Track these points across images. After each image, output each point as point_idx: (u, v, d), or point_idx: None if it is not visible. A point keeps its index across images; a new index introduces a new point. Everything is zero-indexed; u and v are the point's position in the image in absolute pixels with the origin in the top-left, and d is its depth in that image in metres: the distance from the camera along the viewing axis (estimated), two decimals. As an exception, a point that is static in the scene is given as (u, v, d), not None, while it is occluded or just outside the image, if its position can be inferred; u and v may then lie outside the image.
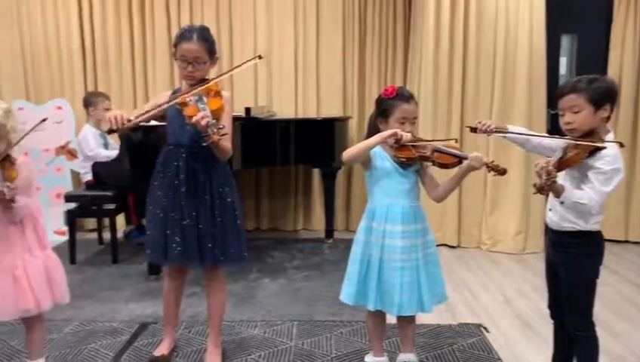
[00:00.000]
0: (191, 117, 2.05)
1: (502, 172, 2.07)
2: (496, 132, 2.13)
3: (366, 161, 2.14)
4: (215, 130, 1.98)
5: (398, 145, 2.05)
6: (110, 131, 2.09)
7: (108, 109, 4.31)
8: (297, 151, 4.08)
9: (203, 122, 2.01)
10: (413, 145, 2.07)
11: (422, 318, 2.59)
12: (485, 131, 2.13)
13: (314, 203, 5.00)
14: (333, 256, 4.20)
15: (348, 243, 4.36)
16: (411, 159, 2.09)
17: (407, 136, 2.04)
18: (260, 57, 2.34)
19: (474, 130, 2.15)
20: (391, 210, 2.11)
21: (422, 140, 2.16)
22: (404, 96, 2.12)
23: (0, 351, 2.59)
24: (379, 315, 2.25)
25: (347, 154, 2.11)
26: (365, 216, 2.20)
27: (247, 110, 3.77)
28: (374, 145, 2.07)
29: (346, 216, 5.00)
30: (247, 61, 2.31)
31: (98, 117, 4.28)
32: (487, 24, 4.20)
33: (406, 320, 2.24)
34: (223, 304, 2.53)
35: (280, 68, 4.80)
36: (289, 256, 4.19)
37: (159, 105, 2.21)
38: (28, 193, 2.11)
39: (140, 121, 2.20)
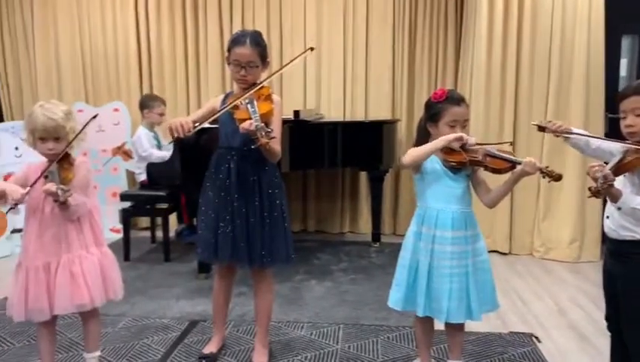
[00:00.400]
0: (241, 120, 2.09)
1: (557, 178, 2.00)
2: (565, 133, 2.05)
3: (417, 164, 2.11)
4: (264, 134, 2.00)
5: (450, 149, 2.02)
6: (176, 139, 2.12)
7: (162, 113, 4.45)
8: (345, 154, 4.08)
9: (252, 126, 2.04)
10: (464, 149, 2.04)
11: (471, 325, 2.53)
12: (555, 131, 2.06)
13: (361, 206, 4.98)
14: (379, 260, 4.17)
15: (395, 248, 4.36)
16: (462, 163, 2.05)
17: (471, 140, 2.01)
18: (311, 49, 2.37)
19: (542, 129, 2.08)
20: (441, 215, 2.08)
21: (477, 144, 2.11)
22: (454, 98, 2.08)
23: (59, 342, 2.70)
24: (427, 321, 2.22)
25: (408, 157, 2.07)
26: (414, 221, 2.17)
27: (296, 113, 3.81)
28: (437, 149, 2.04)
29: (394, 219, 4.97)
30: (300, 55, 2.34)
31: (152, 119, 4.43)
32: (543, 24, 4.08)
33: (454, 328, 2.20)
34: (270, 304, 2.56)
35: (329, 71, 4.82)
36: (335, 259, 4.19)
37: (217, 111, 2.26)
38: (85, 192, 2.18)
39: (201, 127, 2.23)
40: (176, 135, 2.13)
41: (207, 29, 4.88)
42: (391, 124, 4.43)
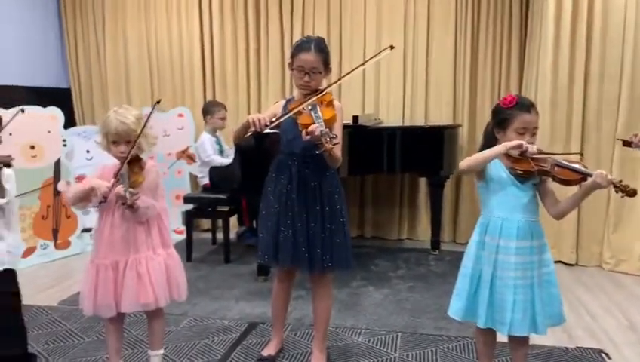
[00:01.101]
0: (304, 125, 2.11)
1: (631, 193, 1.87)
2: None
3: (480, 171, 2.06)
4: (328, 139, 2.02)
5: (517, 157, 1.96)
6: (254, 133, 2.17)
7: (223, 118, 4.57)
8: (404, 160, 4.04)
9: (317, 131, 2.06)
10: (532, 158, 1.97)
11: (536, 339, 2.44)
12: None
13: (419, 212, 4.91)
14: (439, 268, 4.10)
15: (454, 256, 4.33)
16: (529, 173, 1.98)
17: (532, 148, 1.95)
18: (391, 47, 2.36)
19: (628, 143, 1.98)
20: (506, 224, 2.02)
21: (543, 153, 2.03)
22: (524, 105, 2.02)
23: (124, 339, 2.81)
24: (489, 333, 2.15)
25: (465, 163, 2.04)
26: (477, 230, 2.12)
27: (355, 118, 3.81)
28: (496, 156, 1.99)
29: (454, 227, 4.87)
30: (379, 53, 2.34)
31: (214, 124, 4.55)
32: (614, 28, 3.87)
33: (518, 341, 2.12)
34: (329, 309, 2.57)
35: (388, 76, 4.79)
36: (393, 266, 4.15)
37: (281, 116, 2.28)
38: (154, 195, 2.25)
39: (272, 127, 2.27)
40: (252, 129, 2.17)
41: (269, 35, 4.97)
42: (452, 129, 4.34)
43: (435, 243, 4.48)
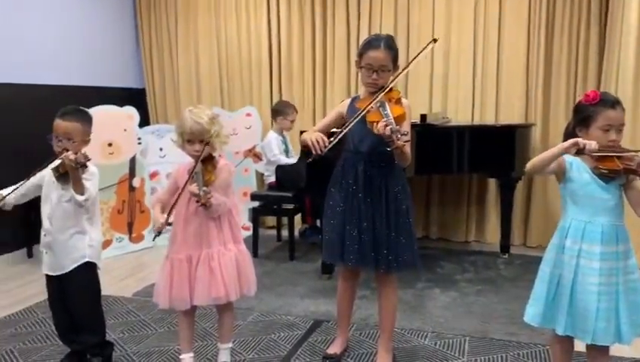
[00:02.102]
0: (374, 123, 2.09)
1: None
2: None
3: (560, 172, 1.97)
4: (399, 136, 1.99)
5: (601, 156, 1.85)
6: (315, 156, 2.18)
7: (293, 120, 4.61)
8: (473, 160, 3.93)
9: (387, 129, 2.03)
10: (618, 156, 1.85)
11: (615, 350, 2.30)
12: None
13: (488, 214, 4.76)
14: (508, 272, 3.96)
15: (525, 260, 4.18)
16: (615, 171, 1.86)
17: (592, 145, 1.84)
18: (435, 40, 2.31)
19: None
20: (589, 227, 1.91)
21: (624, 150, 1.90)
22: (608, 101, 1.91)
23: (195, 331, 2.90)
24: (567, 341, 2.05)
25: (531, 164, 1.97)
26: (557, 233, 2.02)
27: (423, 117, 3.74)
28: (556, 156, 1.90)
29: (524, 230, 4.69)
30: (423, 49, 2.30)
31: (283, 126, 4.62)
32: None
33: (598, 351, 2.01)
34: (394, 309, 2.54)
35: (457, 73, 4.67)
36: (460, 268, 4.05)
37: (350, 118, 2.27)
38: (226, 192, 2.31)
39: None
40: (314, 153, 2.19)
41: (335, 32, 4.97)
42: (524, 128, 4.18)
43: (505, 246, 4.33)
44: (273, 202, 4.43)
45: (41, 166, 2.26)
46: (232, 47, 5.32)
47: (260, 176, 5.16)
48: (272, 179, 4.54)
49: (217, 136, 2.27)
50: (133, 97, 5.30)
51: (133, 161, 4.59)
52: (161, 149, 4.91)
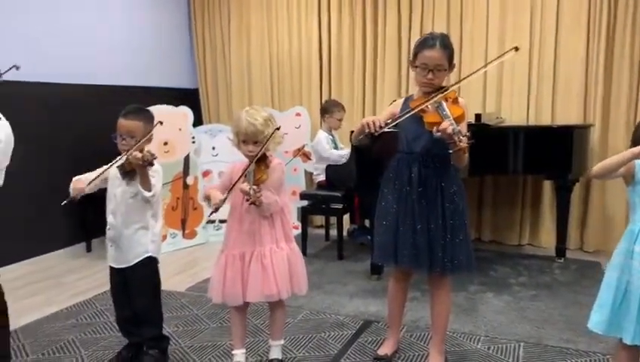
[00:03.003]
0: (432, 124, 2.07)
1: None
2: None
3: (628, 175, 1.89)
4: (461, 138, 1.95)
5: None
6: (368, 134, 2.15)
7: (341, 119, 4.62)
8: (529, 161, 3.83)
9: (449, 130, 2.00)
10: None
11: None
12: None
13: (543, 217, 4.62)
14: (564, 277, 3.83)
15: (581, 265, 4.04)
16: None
17: None
18: (516, 49, 2.25)
19: None
20: (660, 232, 1.83)
21: None
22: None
23: (246, 327, 2.94)
24: (633, 350, 1.96)
25: (598, 168, 1.91)
26: (625, 237, 1.93)
27: (478, 116, 3.68)
28: (627, 162, 1.83)
29: (581, 234, 4.52)
30: (503, 54, 2.25)
31: (331, 124, 4.63)
32: None
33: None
34: (448, 312, 2.51)
35: (512, 73, 4.55)
36: (514, 272, 3.95)
37: (401, 114, 2.25)
38: (278, 191, 2.34)
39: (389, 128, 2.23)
40: (367, 131, 2.16)
41: (386, 32, 4.94)
42: (582, 129, 4.04)
43: (560, 250, 4.19)
44: (322, 201, 4.44)
45: (111, 162, 2.35)
46: (282, 48, 5.37)
47: (309, 176, 5.20)
48: (322, 177, 4.57)
49: (272, 136, 2.29)
50: (188, 97, 5.45)
51: (187, 159, 4.70)
52: (213, 148, 5.02)
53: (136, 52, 5.07)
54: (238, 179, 2.24)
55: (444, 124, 2.03)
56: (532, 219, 4.67)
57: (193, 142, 4.78)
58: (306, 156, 5.19)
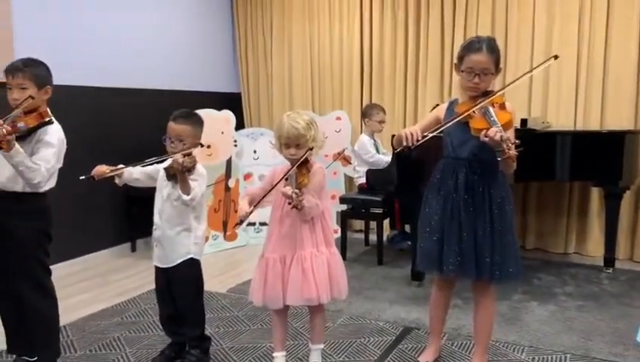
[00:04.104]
0: (479, 130, 2.03)
1: None
2: None
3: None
4: (510, 145, 1.90)
5: None
6: (405, 148, 2.13)
7: (382, 121, 4.60)
8: (577, 167, 3.71)
9: (497, 136, 1.96)
10: None
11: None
12: None
13: (591, 225, 4.47)
14: (613, 288, 3.70)
15: (632, 276, 3.91)
16: None
17: None
18: (555, 57, 2.20)
19: None
20: None
21: None
22: None
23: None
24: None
25: None
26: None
27: (524, 121, 3.60)
28: None
29: (631, 244, 4.35)
30: (542, 64, 2.20)
31: (373, 127, 4.60)
32: None
33: None
34: (491, 321, 2.46)
35: (559, 77, 4.42)
36: (559, 281, 3.83)
37: (448, 120, 2.21)
38: (319, 195, 2.33)
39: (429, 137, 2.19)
40: (404, 143, 2.14)
41: (429, 36, 4.89)
42: (634, 134, 3.88)
43: (609, 260, 4.04)
44: (362, 206, 4.43)
45: (157, 160, 2.41)
46: (324, 52, 5.39)
47: (349, 179, 5.19)
48: (363, 180, 4.55)
49: (313, 140, 2.30)
50: (230, 101, 5.54)
51: (229, 162, 4.77)
52: (255, 152, 5.07)
53: (183, 58, 5.19)
54: (278, 182, 2.25)
55: (492, 131, 1.98)
56: (579, 226, 4.53)
57: (235, 145, 4.85)
58: (346, 160, 5.18)
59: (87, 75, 4.23)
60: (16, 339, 2.47)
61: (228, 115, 4.79)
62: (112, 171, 2.40)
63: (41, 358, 2.45)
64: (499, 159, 2.01)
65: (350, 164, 5.10)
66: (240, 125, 5.46)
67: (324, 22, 5.35)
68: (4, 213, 2.31)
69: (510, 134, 2.10)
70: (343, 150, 5.19)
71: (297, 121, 2.28)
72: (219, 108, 4.77)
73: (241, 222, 2.22)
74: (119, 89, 4.55)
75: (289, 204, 2.19)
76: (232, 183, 4.79)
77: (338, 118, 5.23)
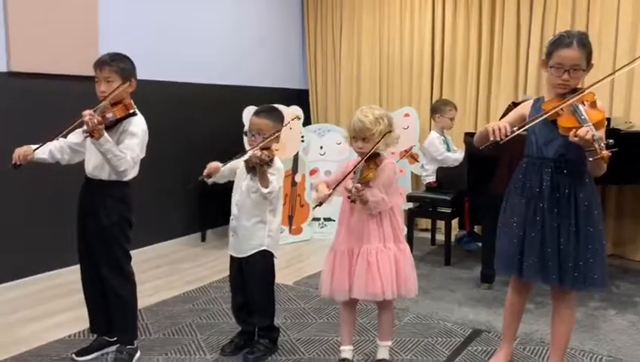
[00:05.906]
0: (567, 129, 1.94)
1: None
2: None
3: None
4: (602, 145, 1.81)
5: None
6: (492, 143, 2.06)
7: (452, 118, 4.50)
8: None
9: (588, 136, 1.87)
10: None
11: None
12: None
13: (675, 232, 4.21)
14: (701, 300, 3.46)
15: None
16: None
17: None
18: None
19: None
20: None
21: None
22: None
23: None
24: None
25: None
26: None
27: (607, 121, 3.41)
28: None
29: None
30: (633, 60, 2.07)
31: (443, 124, 4.50)
32: None
33: None
34: (570, 329, 2.35)
35: (644, 73, 4.19)
36: (639, 290, 3.63)
37: (534, 118, 2.13)
38: (387, 191, 2.31)
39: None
40: (492, 138, 2.07)
41: (503, 33, 4.74)
42: None
43: (696, 270, 3.79)
44: (430, 204, 4.35)
45: (237, 155, 2.48)
46: (393, 48, 5.34)
47: (416, 177, 5.12)
48: (432, 178, 4.46)
49: (382, 135, 2.26)
50: (299, 97, 5.59)
51: (296, 157, 4.82)
52: (321, 148, 5.10)
53: (254, 54, 5.29)
54: (347, 175, 2.26)
55: (583, 130, 1.88)
56: (662, 233, 4.27)
57: (302, 140, 4.89)
58: (414, 158, 5.11)
59: (167, 70, 4.39)
60: (99, 321, 2.60)
61: (297, 111, 4.83)
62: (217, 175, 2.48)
63: (120, 339, 2.57)
64: (590, 159, 1.91)
65: (417, 162, 5.03)
66: (307, 121, 5.50)
67: (395, 16, 5.30)
68: (91, 200, 2.44)
69: (602, 134, 1.99)
70: (411, 148, 5.12)
71: (366, 115, 2.27)
72: (287, 104, 4.82)
73: (320, 203, 2.21)
74: (198, 84, 4.71)
75: (348, 198, 2.19)
76: (298, 178, 4.84)
77: (406, 115, 5.16)
